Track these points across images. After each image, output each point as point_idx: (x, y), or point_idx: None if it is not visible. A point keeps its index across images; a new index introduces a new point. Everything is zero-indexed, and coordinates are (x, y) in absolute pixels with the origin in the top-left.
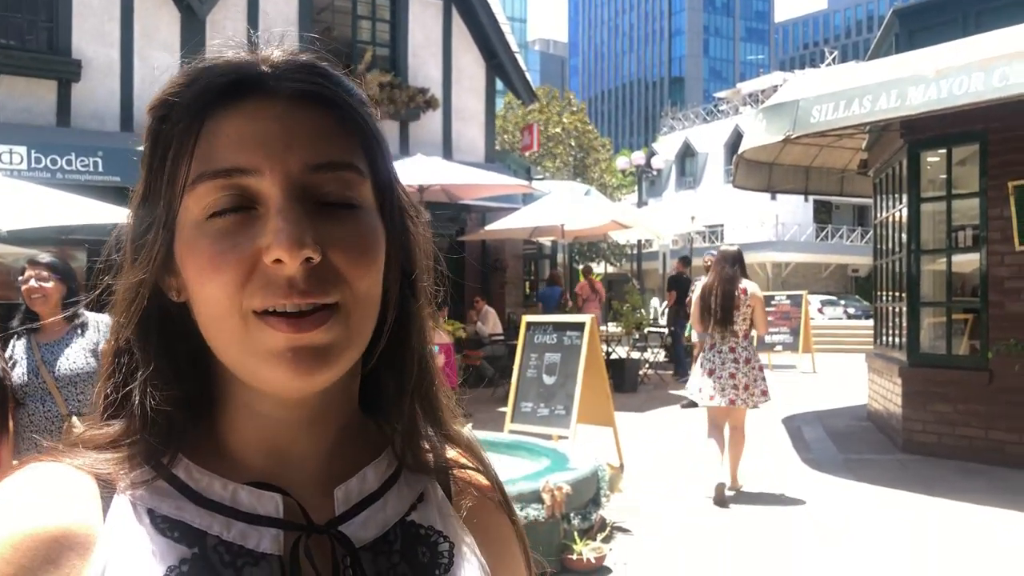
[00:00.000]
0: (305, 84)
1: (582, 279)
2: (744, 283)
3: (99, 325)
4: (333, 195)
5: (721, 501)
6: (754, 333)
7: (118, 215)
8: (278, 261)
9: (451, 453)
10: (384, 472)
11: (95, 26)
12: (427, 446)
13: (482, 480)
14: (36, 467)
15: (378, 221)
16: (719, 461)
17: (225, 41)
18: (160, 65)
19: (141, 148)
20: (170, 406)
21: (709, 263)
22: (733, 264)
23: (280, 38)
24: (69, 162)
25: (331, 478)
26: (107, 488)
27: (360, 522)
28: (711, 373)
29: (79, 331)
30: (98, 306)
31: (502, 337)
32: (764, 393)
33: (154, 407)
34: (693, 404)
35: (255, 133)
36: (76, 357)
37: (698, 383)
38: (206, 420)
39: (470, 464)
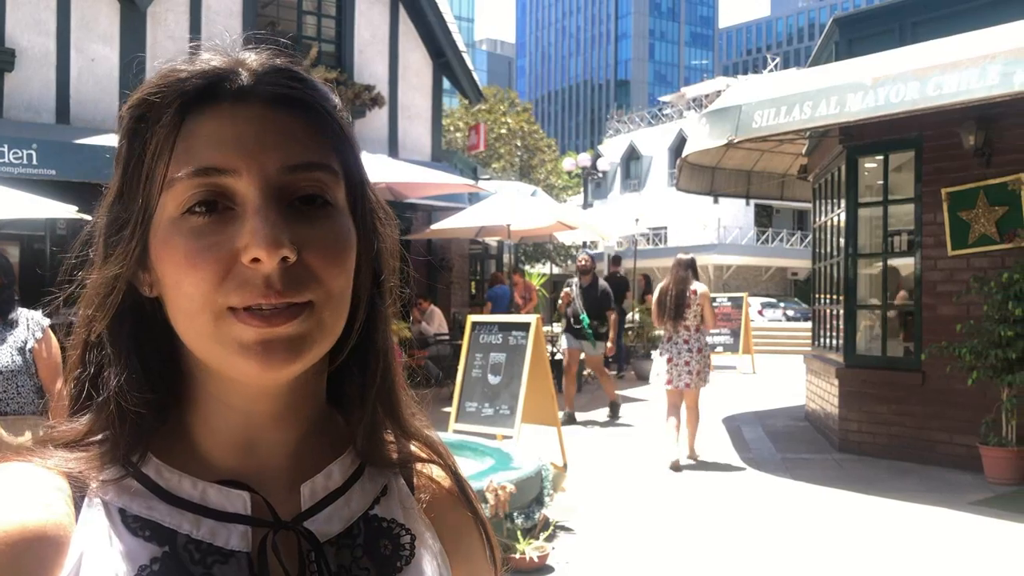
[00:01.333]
0: (281, 88)
1: (518, 279)
2: (695, 285)
3: (29, 323)
4: (308, 196)
5: (676, 468)
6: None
7: (53, 209)
8: (255, 260)
9: (412, 448)
10: (349, 468)
11: (30, 14)
12: (389, 441)
13: (441, 474)
14: (6, 467)
15: (350, 222)
16: (675, 440)
17: (201, 43)
18: (98, 57)
19: (81, 141)
20: (140, 402)
21: (585, 263)
22: (686, 269)
23: (241, 40)
24: (1, 154)
25: (298, 474)
26: (78, 487)
27: (325, 517)
28: (669, 361)
29: (10, 328)
30: (67, 301)
31: (447, 337)
32: (706, 379)
33: (124, 404)
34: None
35: (233, 134)
36: (3, 355)
37: (657, 369)
38: (175, 417)
39: (429, 458)
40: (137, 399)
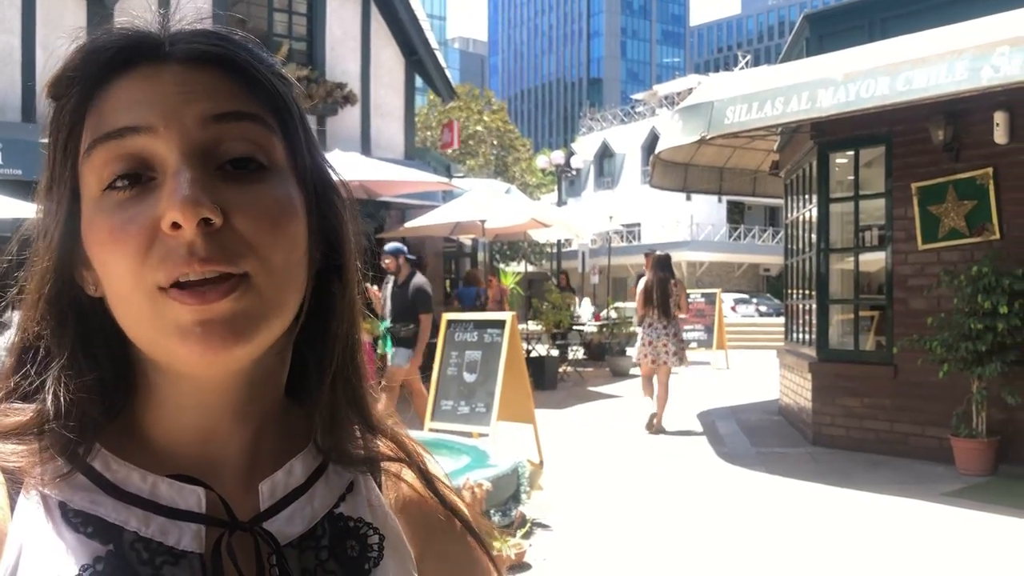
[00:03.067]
0: (201, 45)
1: (492, 280)
2: (672, 280)
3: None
4: (237, 154)
5: (650, 427)
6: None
7: (19, 209)
8: (175, 226)
9: (380, 445)
10: (311, 464)
11: None
12: (355, 438)
13: (409, 472)
14: None
15: (293, 186)
16: (651, 403)
17: (132, 18)
18: (63, 53)
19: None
20: (85, 395)
21: (389, 264)
22: (664, 267)
23: (190, 15)
24: None
25: (256, 471)
26: (14, 482)
27: (286, 517)
28: (649, 343)
29: (1, 330)
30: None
31: None
32: (682, 358)
33: (68, 397)
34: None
35: (148, 93)
36: None
37: (640, 349)
38: (127, 410)
39: (398, 456)
40: (78, 387)
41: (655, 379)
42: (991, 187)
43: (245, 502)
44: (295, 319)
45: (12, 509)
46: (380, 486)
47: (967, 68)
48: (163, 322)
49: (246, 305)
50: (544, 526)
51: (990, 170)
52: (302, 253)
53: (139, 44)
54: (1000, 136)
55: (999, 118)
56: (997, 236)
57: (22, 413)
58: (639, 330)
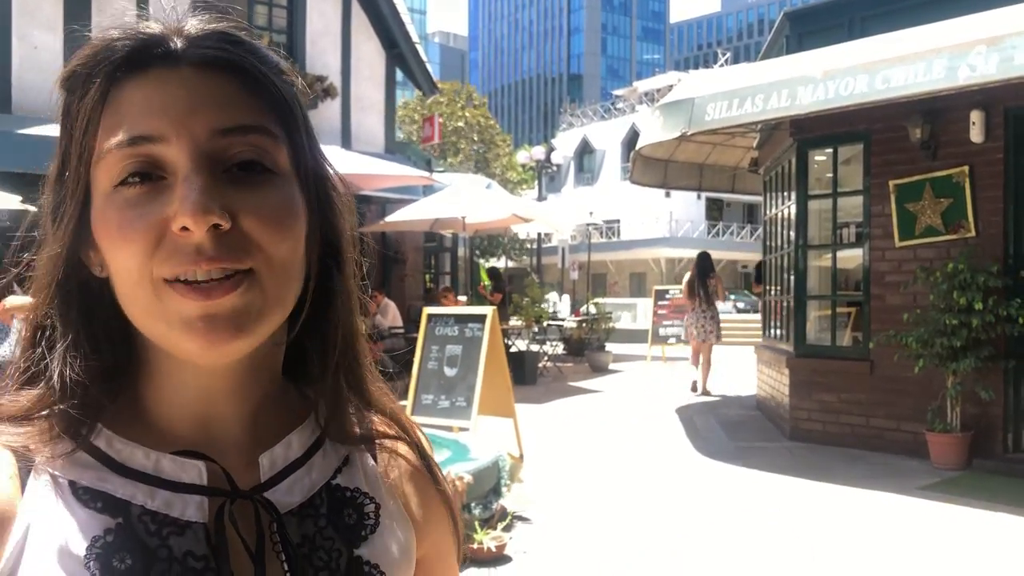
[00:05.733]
0: (213, 51)
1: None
2: (712, 273)
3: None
4: (244, 158)
5: (695, 390)
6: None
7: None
8: (185, 229)
9: (376, 422)
10: (309, 438)
11: None
12: (352, 417)
13: (405, 448)
14: None
15: (296, 189)
16: (696, 372)
17: (144, 14)
18: (41, 44)
19: (24, 131)
20: (89, 376)
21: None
22: (704, 263)
23: (190, 10)
24: None
25: (255, 446)
26: (24, 461)
27: (285, 488)
28: (695, 323)
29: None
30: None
31: (402, 330)
32: (720, 336)
33: (73, 377)
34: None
35: (160, 101)
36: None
37: (688, 330)
38: (129, 391)
39: (394, 433)
40: (83, 368)
41: (700, 354)
42: (967, 185)
43: (246, 475)
44: (295, 310)
45: (23, 486)
46: (376, 460)
47: (945, 67)
48: (167, 314)
49: (249, 300)
50: (524, 519)
51: (966, 168)
52: (302, 250)
53: (152, 45)
54: (976, 135)
55: (975, 117)
56: (973, 233)
57: (27, 398)
58: (687, 315)
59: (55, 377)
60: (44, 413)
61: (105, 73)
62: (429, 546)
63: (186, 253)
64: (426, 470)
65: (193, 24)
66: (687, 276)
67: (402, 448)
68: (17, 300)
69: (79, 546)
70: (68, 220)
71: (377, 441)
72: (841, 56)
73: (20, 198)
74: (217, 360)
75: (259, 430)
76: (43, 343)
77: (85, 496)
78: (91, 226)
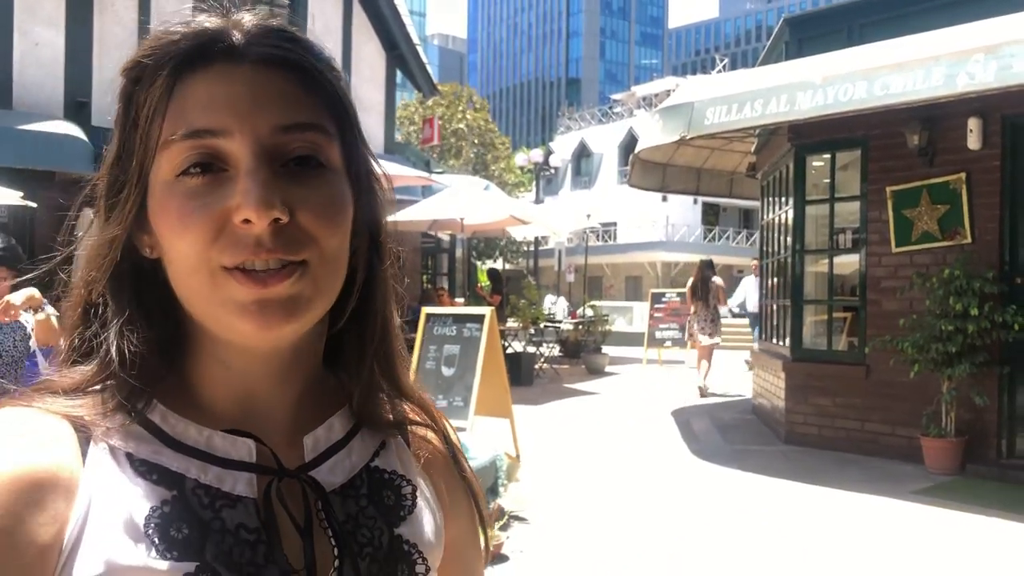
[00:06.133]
0: (272, 48)
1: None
2: (714, 279)
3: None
4: (301, 153)
5: (702, 393)
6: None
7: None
8: (247, 221)
9: (407, 410)
10: (347, 423)
11: None
12: (384, 403)
13: (434, 436)
14: (9, 411)
15: (346, 183)
16: (700, 375)
17: (199, 4)
18: (42, 41)
19: (25, 127)
20: (147, 348)
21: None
22: (706, 269)
23: (249, 2)
24: None
25: (298, 428)
26: (83, 432)
27: (328, 468)
28: (696, 325)
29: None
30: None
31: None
32: (714, 335)
33: (131, 351)
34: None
35: (225, 96)
36: (5, 339)
37: (690, 330)
38: (178, 369)
39: (423, 420)
40: (139, 339)
41: (702, 359)
42: (964, 192)
43: (290, 455)
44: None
45: (84, 456)
46: (408, 445)
47: (943, 74)
48: (222, 299)
49: (301, 289)
50: (521, 519)
51: (963, 175)
52: (347, 243)
53: (214, 41)
54: (974, 142)
55: (973, 124)
56: (969, 240)
57: (83, 372)
58: (688, 318)
59: (112, 351)
60: (98, 387)
61: (172, 66)
62: (456, 531)
63: (246, 244)
64: (452, 458)
65: (250, 20)
66: (690, 280)
67: (431, 435)
68: (18, 297)
69: (140, 515)
70: (129, 206)
71: (409, 428)
72: (840, 62)
73: (21, 193)
74: (269, 343)
75: (301, 413)
76: (96, 321)
77: (142, 468)
78: (147, 211)
